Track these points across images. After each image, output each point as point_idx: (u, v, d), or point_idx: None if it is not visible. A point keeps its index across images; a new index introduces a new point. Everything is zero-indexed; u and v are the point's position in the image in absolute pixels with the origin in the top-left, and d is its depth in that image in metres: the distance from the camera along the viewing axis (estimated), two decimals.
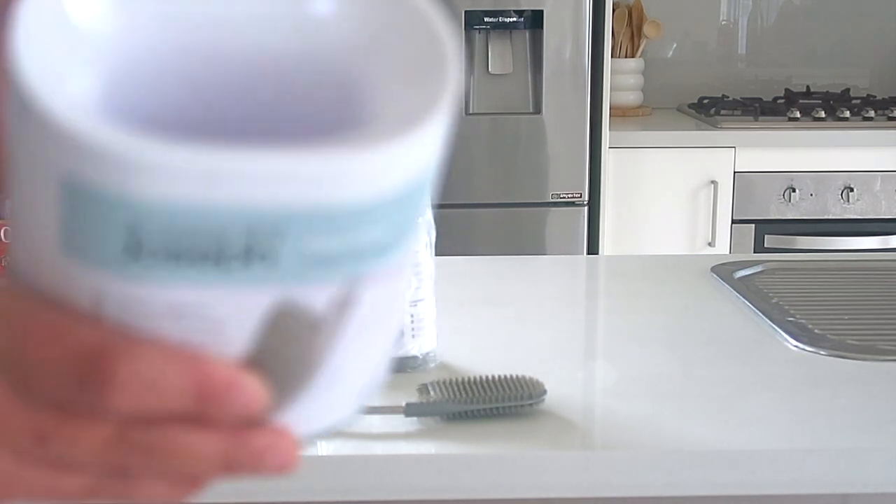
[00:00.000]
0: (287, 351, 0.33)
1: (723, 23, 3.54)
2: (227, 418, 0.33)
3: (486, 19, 2.83)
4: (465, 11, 2.82)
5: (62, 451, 0.33)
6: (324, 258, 0.31)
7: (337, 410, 0.36)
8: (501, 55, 2.88)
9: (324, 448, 0.98)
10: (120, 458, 0.33)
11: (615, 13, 3.20)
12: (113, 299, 0.31)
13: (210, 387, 0.33)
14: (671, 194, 3.02)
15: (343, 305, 0.32)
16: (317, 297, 0.32)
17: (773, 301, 1.44)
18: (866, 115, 3.11)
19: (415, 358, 1.17)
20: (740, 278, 1.55)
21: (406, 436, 1.01)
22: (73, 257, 0.30)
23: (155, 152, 0.28)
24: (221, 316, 0.31)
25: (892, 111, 3.14)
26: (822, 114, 3.11)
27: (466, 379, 1.06)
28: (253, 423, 0.35)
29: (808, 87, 3.43)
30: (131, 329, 0.32)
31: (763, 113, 3.14)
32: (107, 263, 0.30)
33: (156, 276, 0.30)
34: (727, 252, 3.02)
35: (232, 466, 0.34)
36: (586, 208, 2.93)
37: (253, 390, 0.33)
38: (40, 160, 0.29)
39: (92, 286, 0.31)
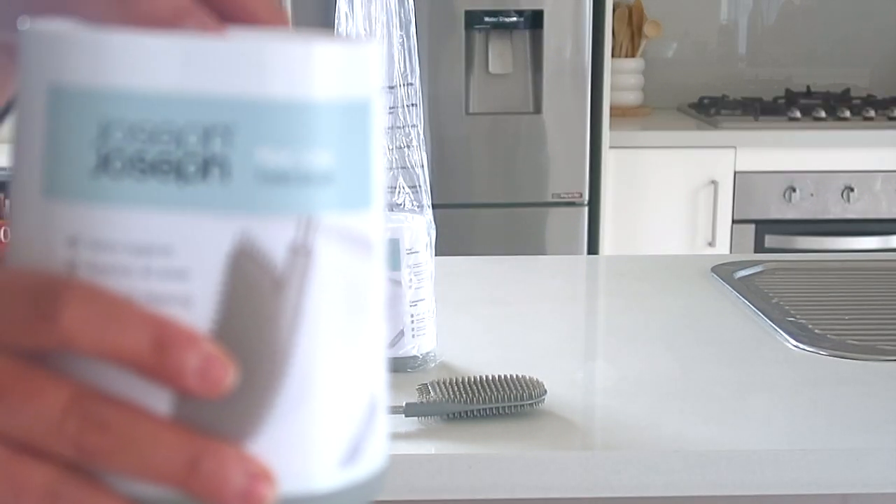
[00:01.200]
0: (253, 320, 0.33)
1: (723, 23, 3.54)
2: (189, 382, 0.32)
3: (486, 19, 2.83)
4: (465, 11, 2.82)
5: (19, 413, 0.32)
6: (274, 177, 0.33)
7: (316, 454, 0.34)
8: (501, 55, 2.88)
9: None
10: (76, 432, 0.32)
11: (615, 13, 3.20)
12: (86, 239, 0.33)
13: (169, 333, 0.32)
14: (671, 194, 3.02)
15: (301, 254, 0.33)
16: (275, 237, 0.33)
17: (773, 301, 1.44)
18: (866, 115, 3.11)
19: (415, 358, 1.17)
20: (740, 278, 1.55)
21: (406, 436, 1.01)
22: (52, 195, 0.33)
23: (119, 40, 0.32)
24: (185, 265, 0.33)
25: (892, 111, 3.14)
26: (823, 114, 3.11)
27: (466, 379, 1.06)
28: (223, 435, 0.33)
29: (808, 87, 3.43)
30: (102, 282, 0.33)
31: (763, 113, 3.14)
32: (81, 187, 0.33)
33: (125, 195, 0.32)
34: (727, 252, 3.02)
35: (192, 476, 0.32)
36: (586, 208, 2.93)
37: (216, 353, 0.32)
38: (32, 75, 0.34)
39: (67, 226, 0.33)
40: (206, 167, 0.32)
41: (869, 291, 1.52)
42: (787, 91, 3.41)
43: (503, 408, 1.04)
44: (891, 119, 3.11)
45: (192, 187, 0.32)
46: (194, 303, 0.33)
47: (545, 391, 1.05)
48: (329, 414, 0.34)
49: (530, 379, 1.06)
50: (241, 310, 0.33)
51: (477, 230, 2.93)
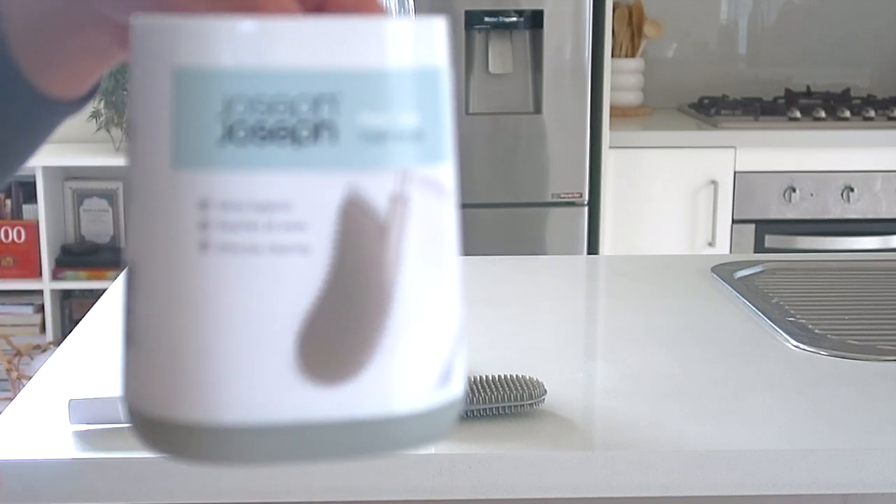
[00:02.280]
0: (363, 262, 0.38)
1: (723, 23, 3.54)
2: None
3: (486, 19, 2.83)
4: (465, 11, 2.82)
5: None
6: (375, 136, 0.38)
7: (421, 377, 0.39)
8: (501, 55, 2.88)
9: None
10: None
11: (615, 13, 3.20)
12: (216, 201, 0.37)
13: None
14: (671, 194, 3.02)
15: (400, 202, 0.38)
16: (378, 189, 0.38)
17: (773, 301, 1.44)
18: (866, 115, 3.11)
19: None
20: (740, 278, 1.55)
21: None
22: (182, 165, 0.37)
23: (236, 26, 0.37)
24: (303, 218, 0.37)
25: (892, 111, 3.14)
26: (823, 114, 3.11)
27: (466, 379, 1.06)
28: (343, 367, 0.37)
29: (808, 87, 3.43)
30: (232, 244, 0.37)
31: (763, 113, 3.14)
32: (210, 155, 0.37)
33: (248, 160, 0.37)
34: (727, 252, 3.02)
35: None
36: (586, 208, 2.93)
37: None
38: (155, 62, 0.38)
39: (198, 192, 0.37)
40: (317, 131, 0.38)
41: (869, 291, 1.52)
42: (787, 91, 3.41)
43: (503, 408, 1.04)
44: (891, 119, 3.11)
45: (306, 149, 0.38)
46: (312, 250, 0.38)
47: (545, 391, 1.05)
48: (429, 341, 0.39)
49: (530, 379, 1.06)
50: (353, 254, 0.38)
51: (477, 230, 2.93)
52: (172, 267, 0.38)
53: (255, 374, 0.38)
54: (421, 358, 0.39)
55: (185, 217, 0.38)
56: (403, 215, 0.39)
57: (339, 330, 0.38)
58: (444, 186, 0.40)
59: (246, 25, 0.37)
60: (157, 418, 0.39)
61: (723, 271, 1.58)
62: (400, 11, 1.13)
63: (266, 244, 0.37)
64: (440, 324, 0.40)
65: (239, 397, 0.38)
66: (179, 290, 0.38)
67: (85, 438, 1.01)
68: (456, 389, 0.41)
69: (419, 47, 0.39)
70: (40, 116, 0.53)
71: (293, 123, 0.37)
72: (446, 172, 0.40)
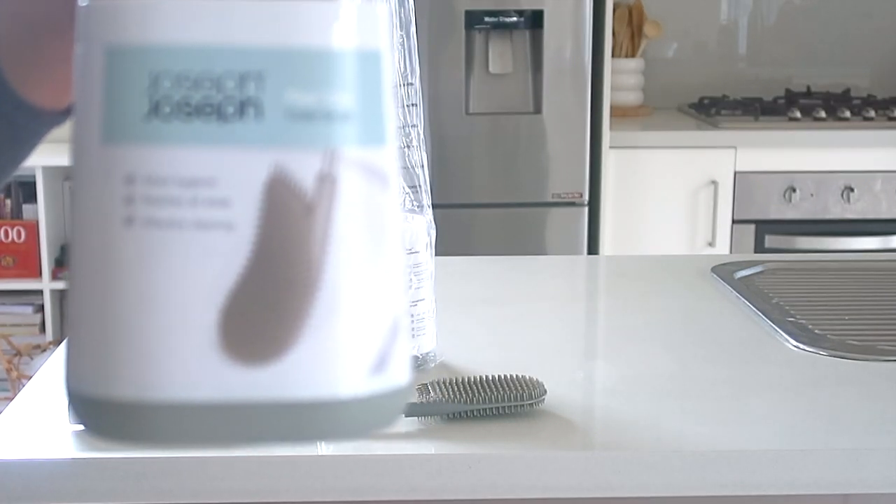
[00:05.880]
0: (288, 241, 0.37)
1: (723, 23, 3.54)
2: None
3: (486, 19, 2.83)
4: (465, 11, 2.82)
5: None
6: (302, 115, 0.38)
7: (349, 361, 0.38)
8: (501, 55, 2.88)
9: (324, 448, 0.98)
10: None
11: (615, 13, 3.19)
12: (141, 176, 0.37)
13: None
14: (671, 194, 3.02)
15: (328, 182, 0.38)
16: (304, 168, 0.38)
17: (773, 301, 1.44)
18: (866, 115, 3.11)
19: (415, 358, 1.16)
20: (740, 278, 1.55)
21: (406, 436, 1.01)
22: (111, 141, 0.38)
23: (165, 3, 0.37)
24: (227, 195, 0.37)
25: (892, 111, 3.14)
26: (823, 114, 3.11)
27: (466, 379, 1.06)
28: (266, 346, 0.37)
29: (808, 87, 3.43)
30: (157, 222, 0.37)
31: (763, 113, 3.14)
32: (136, 131, 0.37)
33: (174, 135, 0.37)
34: (727, 252, 3.02)
35: None
36: (586, 208, 2.93)
37: None
38: (91, 41, 0.38)
39: (125, 166, 0.38)
40: (242, 108, 0.38)
41: (869, 291, 1.52)
42: (787, 91, 3.41)
43: (503, 408, 1.04)
44: (891, 119, 3.11)
45: (231, 125, 0.38)
46: (236, 227, 0.37)
47: (545, 391, 1.05)
48: (358, 324, 0.39)
49: (530, 379, 1.06)
50: (278, 232, 0.38)
51: (477, 230, 2.93)
52: (99, 242, 0.38)
53: (176, 351, 0.37)
54: (350, 342, 0.38)
55: (112, 192, 0.38)
56: (332, 195, 0.38)
57: (263, 308, 0.37)
58: (381, 170, 0.39)
59: (172, 3, 0.37)
60: (87, 396, 0.38)
61: (723, 271, 1.58)
62: (400, 10, 1.13)
63: (190, 220, 0.37)
64: (373, 308, 0.39)
65: (159, 373, 0.37)
66: (105, 264, 0.38)
67: (85, 438, 1.01)
68: (396, 378, 0.40)
69: (354, 29, 0.39)
70: (25, 126, 0.53)
71: (219, 100, 0.38)
72: (384, 156, 0.40)
